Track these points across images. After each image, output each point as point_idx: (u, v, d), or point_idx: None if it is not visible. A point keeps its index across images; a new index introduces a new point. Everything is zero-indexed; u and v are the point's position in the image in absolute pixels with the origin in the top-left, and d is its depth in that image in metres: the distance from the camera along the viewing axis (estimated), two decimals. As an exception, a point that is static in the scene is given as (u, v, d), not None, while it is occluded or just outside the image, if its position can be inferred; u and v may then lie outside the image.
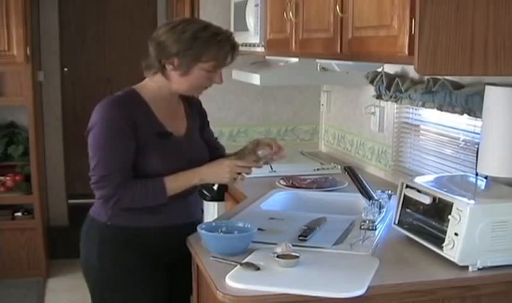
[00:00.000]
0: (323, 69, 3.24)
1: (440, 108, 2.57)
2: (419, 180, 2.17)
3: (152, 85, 2.18)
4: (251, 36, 3.35)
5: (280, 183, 2.94)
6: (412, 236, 2.09)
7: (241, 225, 2.09)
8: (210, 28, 2.13)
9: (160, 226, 2.15)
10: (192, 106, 2.34)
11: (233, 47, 2.15)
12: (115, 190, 2.06)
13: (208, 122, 2.47)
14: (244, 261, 1.86)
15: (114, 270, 2.16)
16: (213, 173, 2.18)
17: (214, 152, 2.37)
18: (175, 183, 2.12)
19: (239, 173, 2.19)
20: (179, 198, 2.16)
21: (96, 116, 2.08)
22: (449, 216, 1.90)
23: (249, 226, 2.05)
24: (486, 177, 2.11)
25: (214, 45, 2.09)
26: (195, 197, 2.34)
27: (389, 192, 2.53)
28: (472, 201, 1.88)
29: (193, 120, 2.32)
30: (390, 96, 2.96)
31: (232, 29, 3.64)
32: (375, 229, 2.20)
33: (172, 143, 2.17)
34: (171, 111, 2.23)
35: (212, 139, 2.46)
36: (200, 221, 2.24)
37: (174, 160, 2.15)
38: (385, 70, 3.01)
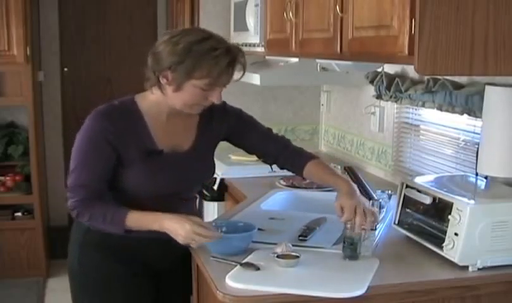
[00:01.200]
0: (323, 69, 3.24)
1: (440, 108, 2.57)
2: (419, 180, 2.17)
3: (151, 97, 2.05)
4: (251, 36, 3.35)
5: (280, 183, 2.94)
6: (412, 236, 2.09)
7: (241, 225, 2.08)
8: (209, 41, 1.91)
9: (141, 237, 2.03)
10: (211, 116, 2.15)
11: (231, 63, 1.93)
12: (77, 205, 2.00)
13: (248, 120, 2.27)
14: (244, 261, 1.86)
15: (93, 275, 2.10)
16: (172, 227, 1.92)
17: (266, 151, 2.26)
18: (136, 222, 1.97)
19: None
20: (168, 212, 1.98)
21: (85, 123, 2.00)
22: (449, 216, 1.90)
23: (249, 226, 2.05)
24: (486, 177, 2.10)
25: (208, 61, 1.88)
26: (189, 212, 2.05)
27: (389, 192, 2.53)
28: (472, 201, 1.88)
29: (207, 132, 2.15)
30: (390, 96, 2.96)
31: (232, 29, 3.65)
32: (375, 229, 2.20)
33: (163, 161, 2.03)
34: (173, 125, 2.07)
35: (255, 143, 2.27)
36: None
37: (161, 178, 2.02)
38: (385, 70, 3.01)
